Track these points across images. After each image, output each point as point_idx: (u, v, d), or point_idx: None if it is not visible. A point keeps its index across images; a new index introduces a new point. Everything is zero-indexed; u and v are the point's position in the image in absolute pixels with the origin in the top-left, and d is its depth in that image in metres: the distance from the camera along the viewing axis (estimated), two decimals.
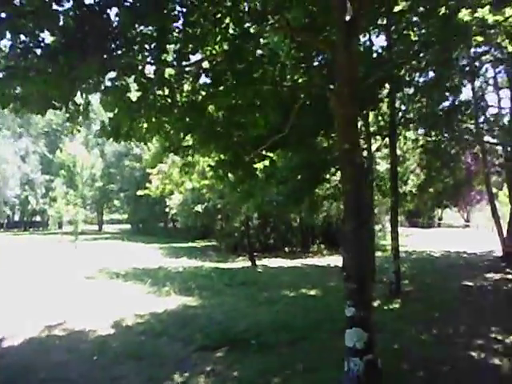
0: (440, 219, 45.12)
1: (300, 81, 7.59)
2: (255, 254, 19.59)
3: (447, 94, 13.16)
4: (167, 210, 30.07)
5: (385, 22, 9.90)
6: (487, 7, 9.04)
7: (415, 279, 13.21)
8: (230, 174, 8.97)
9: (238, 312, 9.11)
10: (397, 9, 7.44)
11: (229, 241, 25.04)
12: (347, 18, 5.33)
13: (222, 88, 6.27)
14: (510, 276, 13.95)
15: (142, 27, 5.36)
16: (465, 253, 20.97)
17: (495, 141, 18.59)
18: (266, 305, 9.90)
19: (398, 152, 15.45)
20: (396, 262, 11.09)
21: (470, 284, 12.51)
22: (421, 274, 14.54)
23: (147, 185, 27.53)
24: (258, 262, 18.11)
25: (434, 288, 11.87)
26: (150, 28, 5.43)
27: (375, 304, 9.93)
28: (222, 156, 8.88)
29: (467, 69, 14.30)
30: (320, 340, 7.02)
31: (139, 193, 29.63)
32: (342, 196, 5.57)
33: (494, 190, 24.50)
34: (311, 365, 5.91)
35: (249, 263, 17.95)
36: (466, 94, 43.82)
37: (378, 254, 17.52)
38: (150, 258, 20.76)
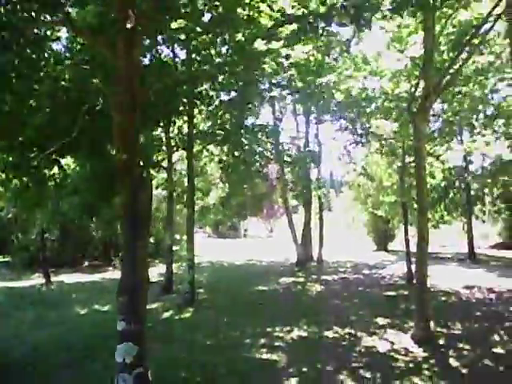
0: (246, 230, 48.09)
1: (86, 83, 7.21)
2: (52, 269, 17.99)
3: (247, 113, 14.07)
4: None
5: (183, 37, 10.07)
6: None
7: (212, 288, 13.70)
8: (14, 179, 8.07)
9: (18, 336, 8.23)
10: (174, 25, 7.59)
11: (24, 255, 22.46)
12: (129, 25, 5.21)
13: None
14: (300, 279, 15.44)
15: None
16: (265, 261, 22.57)
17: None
18: (51, 326, 9.09)
19: (201, 164, 15.99)
20: (191, 272, 11.33)
21: (264, 288, 13.48)
22: (219, 282, 15.14)
23: None
24: (54, 279, 16.65)
25: (228, 295, 12.44)
26: None
27: (167, 314, 10.01)
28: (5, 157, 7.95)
29: (267, 94, 15.46)
30: (102, 359, 6.66)
31: None
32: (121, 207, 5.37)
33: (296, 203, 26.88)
34: None
35: (43, 280, 16.39)
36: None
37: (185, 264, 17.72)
38: None
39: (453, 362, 6.62)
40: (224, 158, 14.03)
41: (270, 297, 12.15)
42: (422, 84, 8.99)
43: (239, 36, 9.12)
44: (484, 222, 29.27)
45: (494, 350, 7.22)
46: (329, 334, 8.14)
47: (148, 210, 5.39)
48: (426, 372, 6.14)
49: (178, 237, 24.07)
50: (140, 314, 4.98)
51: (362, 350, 7.20)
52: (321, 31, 6.92)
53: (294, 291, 13.11)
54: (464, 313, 10.01)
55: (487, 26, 8.36)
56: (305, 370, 6.23)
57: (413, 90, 10.33)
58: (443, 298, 11.80)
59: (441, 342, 7.65)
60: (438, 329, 8.42)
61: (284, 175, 20.66)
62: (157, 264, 18.81)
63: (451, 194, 23.99)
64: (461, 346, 7.40)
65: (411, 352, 7.05)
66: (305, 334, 8.19)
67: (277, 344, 7.51)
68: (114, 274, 18.42)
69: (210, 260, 22.59)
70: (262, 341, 7.68)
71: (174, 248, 16.48)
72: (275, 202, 38.37)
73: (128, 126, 5.21)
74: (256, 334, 8.07)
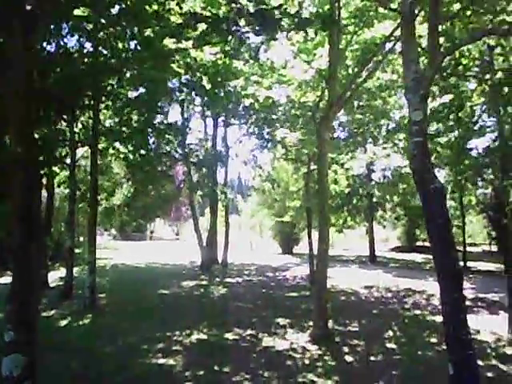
0: (152, 232, 47.07)
1: None
2: None
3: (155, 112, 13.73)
4: None
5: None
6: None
7: (115, 292, 13.16)
8: None
9: None
10: (77, 12, 7.23)
11: None
12: (28, 7, 4.84)
13: None
14: (203, 282, 15.37)
15: None
16: (170, 264, 22.21)
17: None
18: None
19: (107, 162, 15.31)
20: (92, 276, 10.79)
21: (167, 292, 13.22)
22: (122, 286, 14.60)
23: None
24: None
25: (130, 299, 12.02)
26: None
27: (65, 321, 9.41)
28: None
29: (177, 93, 15.20)
30: None
31: None
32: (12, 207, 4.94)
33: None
34: None
35: None
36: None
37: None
38: None
39: (347, 358, 6.95)
40: (131, 156, 13.55)
41: (172, 300, 11.94)
42: (326, 95, 9.40)
43: (148, 31, 8.89)
44: (384, 227, 31.43)
45: (388, 344, 7.71)
46: (229, 336, 8.17)
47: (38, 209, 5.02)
48: (320, 369, 6.37)
49: (81, 239, 22.90)
50: (30, 322, 4.60)
51: (262, 350, 7.32)
52: (228, 34, 6.97)
53: (196, 294, 13.02)
54: (362, 311, 10.60)
55: (390, 45, 8.99)
56: (201, 373, 6.18)
57: (318, 100, 10.77)
58: (343, 298, 12.42)
59: (338, 339, 8.01)
60: (336, 327, 8.83)
61: (191, 177, 20.48)
62: (57, 268, 17.69)
63: (354, 201, 25.47)
64: (356, 342, 7.80)
65: (308, 350, 7.29)
66: (205, 336, 8.15)
67: (175, 348, 7.38)
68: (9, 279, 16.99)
69: (115, 263, 21.71)
70: (161, 345, 7.50)
71: (77, 250, 15.65)
72: (182, 204, 38.01)
73: (24, 116, 4.83)
74: (155, 339, 7.87)
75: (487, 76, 10.00)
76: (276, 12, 6.66)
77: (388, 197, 24.85)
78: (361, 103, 13.69)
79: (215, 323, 9.04)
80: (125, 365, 6.49)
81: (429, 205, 4.49)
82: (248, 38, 8.33)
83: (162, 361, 6.72)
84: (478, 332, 8.52)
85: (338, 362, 6.77)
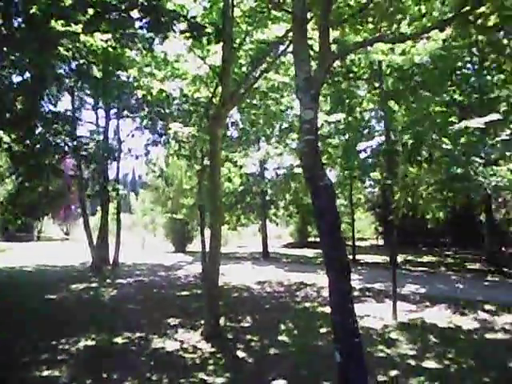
0: (40, 232, 43.51)
1: None
2: None
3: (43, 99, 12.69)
4: None
5: None
6: None
7: None
8: None
9: None
10: None
11: None
12: None
13: None
14: (93, 284, 14.57)
15: None
16: (59, 266, 20.67)
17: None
18: None
19: None
20: None
21: (53, 297, 12.26)
22: (3, 292, 13.24)
23: None
24: None
25: (12, 307, 10.89)
26: None
27: None
28: None
29: (66, 80, 14.17)
30: None
31: None
32: None
33: None
34: None
35: None
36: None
37: None
38: None
39: (240, 354, 6.99)
40: (16, 147, 12.26)
41: (58, 306, 11.10)
42: (220, 91, 9.36)
43: (34, 9, 8.14)
44: (277, 224, 32.38)
45: (280, 337, 7.88)
46: (118, 340, 7.78)
47: None
48: (212, 367, 6.32)
49: None
50: None
51: (151, 352, 7.09)
52: (119, 23, 6.65)
53: (85, 298, 12.26)
54: (254, 306, 10.74)
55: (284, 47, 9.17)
56: (88, 382, 5.81)
57: (211, 96, 10.70)
58: (236, 294, 12.50)
59: (230, 335, 8.03)
60: (229, 323, 8.85)
61: (81, 172, 19.22)
62: None
63: (248, 199, 25.90)
64: (249, 337, 7.88)
65: (200, 349, 7.20)
66: (93, 342, 7.66)
67: (61, 358, 6.83)
68: None
69: None
70: (45, 356, 6.90)
71: None
72: (72, 202, 35.72)
73: None
74: (38, 349, 7.22)
75: (374, 83, 10.75)
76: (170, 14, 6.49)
77: (281, 195, 25.66)
78: (254, 102, 13.89)
79: (104, 327, 8.56)
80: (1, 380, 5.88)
81: (318, 201, 4.62)
82: (141, 28, 8.04)
83: (45, 373, 6.17)
84: (366, 319, 9.12)
85: (229, 358, 6.78)
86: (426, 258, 22.79)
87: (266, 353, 7.06)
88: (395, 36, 6.15)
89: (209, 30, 7.70)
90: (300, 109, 4.69)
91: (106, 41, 9.69)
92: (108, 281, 15.52)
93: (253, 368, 6.37)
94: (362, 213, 32.65)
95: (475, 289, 12.99)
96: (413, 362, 6.49)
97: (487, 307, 10.16)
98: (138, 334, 8.10)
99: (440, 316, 9.52)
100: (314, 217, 7.22)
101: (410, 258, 22.47)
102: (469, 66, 14.71)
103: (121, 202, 22.02)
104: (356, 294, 11.90)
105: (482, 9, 5.44)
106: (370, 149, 15.24)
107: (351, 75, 10.54)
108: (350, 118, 15.81)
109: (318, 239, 29.12)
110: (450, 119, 10.00)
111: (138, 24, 8.05)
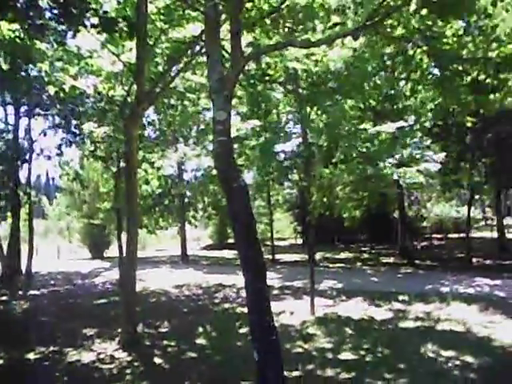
0: None
1: None
2: None
3: None
4: None
5: None
6: None
7: None
8: None
9: None
10: None
11: None
12: None
13: None
14: (3, 297, 13.61)
15: None
16: None
17: None
18: None
19: None
20: None
21: None
22: None
23: None
24: None
25: None
26: None
27: None
28: None
29: None
30: None
31: None
32: None
33: None
34: None
35: None
36: None
37: None
38: None
39: (157, 360, 6.83)
40: None
41: None
42: (135, 90, 9.07)
43: None
44: (196, 226, 32.05)
45: (198, 341, 7.82)
46: (31, 355, 7.28)
47: None
48: (129, 376, 6.13)
49: None
50: None
51: (66, 366, 6.71)
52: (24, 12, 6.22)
53: None
54: (172, 311, 10.58)
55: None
56: None
57: (125, 94, 10.32)
58: (154, 300, 12.25)
59: (148, 342, 7.84)
60: (147, 330, 8.64)
61: None
62: None
63: (166, 201, 25.39)
64: (166, 343, 7.72)
65: (117, 358, 6.95)
66: (1, 361, 7.14)
67: None
68: None
69: None
70: None
71: None
72: None
73: None
74: None
75: (290, 87, 10.94)
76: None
77: (199, 197, 25.44)
78: (171, 102, 13.62)
79: (15, 344, 7.98)
80: None
81: (233, 202, 4.63)
82: (51, 19, 7.58)
83: None
84: (285, 316, 9.30)
85: (147, 366, 6.60)
86: (343, 255, 23.72)
87: (183, 357, 6.96)
88: (307, 41, 6.31)
89: (121, 25, 7.40)
90: (213, 110, 4.66)
91: (14, 31, 9.02)
92: (20, 293, 14.54)
93: (170, 374, 6.25)
94: (281, 213, 33.32)
95: (389, 281, 13.75)
96: (330, 355, 6.70)
97: (401, 298, 10.78)
98: (52, 348, 7.66)
99: (356, 309, 9.94)
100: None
101: (328, 255, 23.26)
102: (382, 74, 15.46)
103: (33, 206, 20.70)
104: (275, 292, 12.13)
105: (390, 21, 5.76)
106: (287, 151, 15.62)
107: (267, 78, 10.65)
108: (266, 120, 16.02)
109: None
110: (365, 124, 10.49)
111: (48, 15, 7.59)
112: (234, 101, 15.31)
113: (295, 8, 5.80)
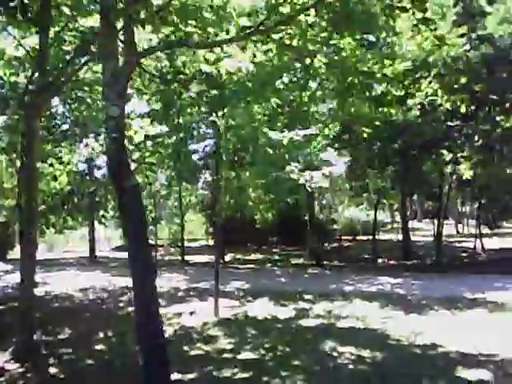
0: None
1: None
2: None
3: None
4: None
5: None
6: None
7: None
8: None
9: None
10: None
11: None
12: None
13: None
14: None
15: None
16: None
17: None
18: None
19: None
20: None
21: None
22: None
23: None
24: None
25: None
26: None
27: None
28: None
29: None
30: None
31: None
32: None
33: None
34: None
35: None
36: None
37: None
38: None
39: (52, 370, 6.44)
40: None
41: None
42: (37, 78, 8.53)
43: None
44: (107, 226, 30.79)
45: (97, 347, 7.51)
46: None
47: None
48: None
49: None
50: None
51: None
52: None
53: None
54: (75, 316, 10.04)
55: None
56: None
57: (27, 82, 9.69)
58: (56, 304, 11.58)
59: (44, 351, 7.36)
60: (45, 337, 8.11)
61: None
62: None
63: (76, 199, 24.13)
64: (64, 351, 7.33)
65: (8, 371, 6.42)
66: None
67: None
68: None
69: None
70: None
71: None
72: None
73: None
74: None
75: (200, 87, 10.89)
76: None
77: (110, 195, 24.47)
78: (79, 94, 12.96)
79: None
80: None
81: (124, 201, 4.48)
82: None
83: None
84: (188, 318, 9.21)
85: (41, 376, 6.20)
86: (254, 256, 23.93)
87: (81, 365, 6.65)
88: (201, 42, 6.29)
89: (14, 3, 6.86)
90: (106, 105, 4.49)
91: None
92: None
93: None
94: (194, 214, 32.95)
95: (296, 281, 14.11)
96: (229, 356, 6.71)
97: (306, 297, 11.09)
98: None
99: (261, 309, 10.07)
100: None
101: (239, 256, 23.35)
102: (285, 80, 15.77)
103: None
104: (181, 294, 12.00)
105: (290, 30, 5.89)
106: (200, 151, 15.59)
107: (181, 76, 10.51)
108: (180, 121, 15.88)
109: (151, 241, 28.67)
110: (274, 127, 10.68)
111: None
112: (147, 97, 15.03)
113: (184, 7, 5.70)
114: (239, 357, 6.64)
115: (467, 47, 15.98)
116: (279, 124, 11.66)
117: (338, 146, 18.34)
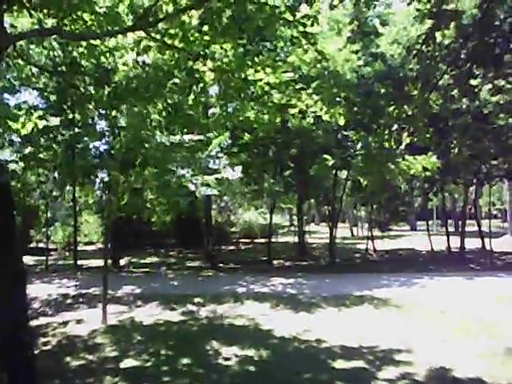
0: None
1: None
2: None
3: None
4: None
5: None
6: None
7: None
8: None
9: None
10: None
11: None
12: None
13: None
14: None
15: None
16: None
17: None
18: None
19: None
20: None
21: None
22: None
23: None
24: None
25: None
26: None
27: None
28: None
29: None
30: None
31: None
32: None
33: None
34: None
35: None
36: None
37: None
38: None
39: None
40: None
41: None
42: None
43: None
44: None
45: None
46: None
47: None
48: None
49: None
50: None
51: None
52: None
53: None
54: None
55: None
56: None
57: None
58: None
59: None
60: None
61: None
62: None
63: None
64: None
65: None
66: None
67: None
68: None
69: None
70: None
71: None
72: None
73: None
74: None
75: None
76: None
77: None
78: None
79: None
80: None
81: None
82: None
83: None
84: (74, 326, 8.77)
85: None
86: (149, 259, 23.32)
87: None
88: (77, 33, 6.02)
89: None
90: None
91: None
92: None
93: None
94: (90, 215, 31.26)
95: (189, 284, 13.98)
96: (112, 365, 6.45)
97: (196, 300, 11.00)
98: None
99: (150, 314, 9.84)
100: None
101: (134, 259, 22.61)
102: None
103: None
104: (69, 301, 11.32)
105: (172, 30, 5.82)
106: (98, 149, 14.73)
107: (80, 69, 9.88)
108: (75, 115, 14.97)
109: (41, 245, 26.79)
110: (171, 130, 10.48)
111: None
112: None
113: None
114: (121, 365, 6.42)
115: (361, 62, 17.10)
116: (175, 127, 11.44)
117: (232, 150, 18.61)
